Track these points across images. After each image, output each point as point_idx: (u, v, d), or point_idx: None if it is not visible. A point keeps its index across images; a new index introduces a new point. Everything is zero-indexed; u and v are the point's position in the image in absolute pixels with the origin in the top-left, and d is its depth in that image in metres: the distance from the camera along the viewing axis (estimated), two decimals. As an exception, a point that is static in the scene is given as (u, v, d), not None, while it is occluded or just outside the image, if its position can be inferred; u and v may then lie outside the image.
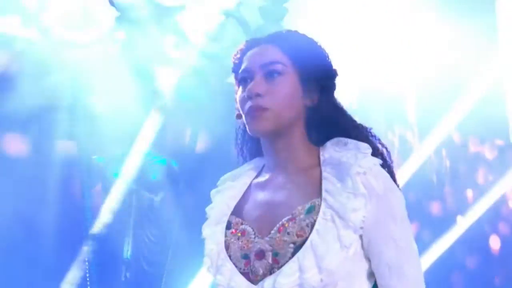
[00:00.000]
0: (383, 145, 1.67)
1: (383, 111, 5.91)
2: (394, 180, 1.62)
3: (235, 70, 1.71)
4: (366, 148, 1.59)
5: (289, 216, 1.56)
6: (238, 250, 1.60)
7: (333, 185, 1.55)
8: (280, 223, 1.56)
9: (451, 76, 5.72)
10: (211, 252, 1.64)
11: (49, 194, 3.94)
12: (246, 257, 1.58)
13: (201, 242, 1.68)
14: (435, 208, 5.92)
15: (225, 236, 1.64)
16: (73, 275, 3.56)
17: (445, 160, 6.09)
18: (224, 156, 1.81)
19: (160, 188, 3.83)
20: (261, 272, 1.55)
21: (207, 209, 1.74)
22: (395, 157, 5.87)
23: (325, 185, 1.56)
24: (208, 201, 1.74)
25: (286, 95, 1.61)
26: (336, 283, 1.51)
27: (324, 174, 1.58)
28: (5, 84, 3.97)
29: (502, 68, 6.20)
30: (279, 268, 1.53)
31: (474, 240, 5.65)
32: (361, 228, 1.52)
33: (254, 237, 1.59)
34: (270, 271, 1.54)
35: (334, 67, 1.69)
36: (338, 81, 1.69)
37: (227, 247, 1.62)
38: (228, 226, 1.66)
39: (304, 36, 1.70)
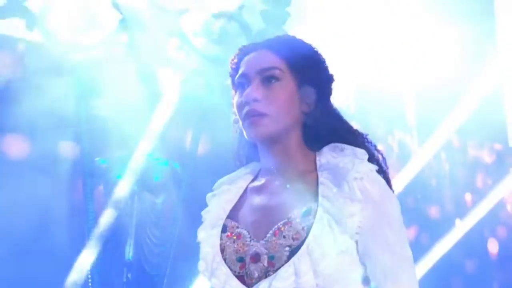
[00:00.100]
0: (379, 151, 1.68)
1: (383, 115, 5.93)
2: (390, 186, 1.62)
3: (232, 74, 1.71)
4: (362, 154, 1.60)
5: (285, 220, 1.56)
6: (234, 253, 1.60)
7: (329, 190, 1.56)
8: (276, 226, 1.57)
9: (450, 80, 5.75)
10: (206, 255, 1.65)
11: (52, 196, 3.95)
12: (241, 260, 1.59)
13: (201, 244, 1.68)
14: (434, 211, 5.93)
15: (221, 239, 1.64)
16: (75, 276, 3.56)
17: (444, 164, 6.10)
18: (226, 159, 1.82)
19: (162, 190, 3.84)
20: (256, 275, 1.56)
21: (203, 213, 1.74)
22: (394, 161, 5.90)
23: (321, 190, 1.57)
24: (209, 202, 1.75)
25: (283, 101, 1.61)
26: (331, 287, 1.51)
27: (320, 179, 1.59)
28: (9, 86, 3.98)
29: (501, 73, 6.22)
30: (274, 271, 1.54)
31: (473, 243, 5.66)
32: (357, 233, 1.52)
33: (250, 241, 1.60)
34: (266, 274, 1.55)
35: (331, 72, 1.70)
36: (335, 86, 1.69)
37: (222, 250, 1.62)
38: (224, 230, 1.66)
39: (301, 41, 1.71)
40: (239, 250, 1.60)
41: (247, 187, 1.72)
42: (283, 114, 1.61)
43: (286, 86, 1.62)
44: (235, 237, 1.62)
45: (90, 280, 3.51)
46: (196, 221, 1.76)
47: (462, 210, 5.88)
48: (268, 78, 1.62)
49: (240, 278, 1.57)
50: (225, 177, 1.78)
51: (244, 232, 1.62)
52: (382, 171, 1.63)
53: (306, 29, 4.60)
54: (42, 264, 3.64)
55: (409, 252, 1.59)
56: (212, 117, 4.09)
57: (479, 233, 5.76)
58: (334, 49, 5.76)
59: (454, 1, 6.14)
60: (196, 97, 4.12)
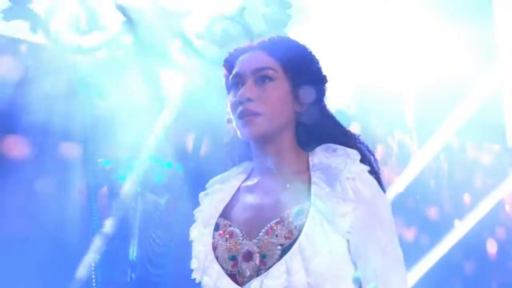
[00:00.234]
0: (371, 152, 1.70)
1: (383, 116, 5.94)
2: (381, 187, 1.64)
3: (226, 74, 1.73)
4: (355, 154, 1.62)
5: (278, 219, 1.58)
6: (226, 251, 1.61)
7: (322, 190, 1.57)
8: (269, 225, 1.58)
9: (449, 81, 5.77)
10: (198, 253, 1.66)
11: (56, 197, 3.97)
12: (233, 258, 1.60)
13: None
14: (433, 212, 5.94)
15: (213, 237, 1.66)
16: (80, 276, 3.58)
17: (443, 164, 6.12)
18: (228, 160, 1.84)
19: (165, 191, 3.86)
20: (248, 273, 1.57)
21: (195, 212, 1.75)
22: (393, 161, 5.93)
23: (314, 189, 1.59)
24: (211, 203, 1.77)
25: (277, 101, 1.63)
26: (322, 286, 1.53)
27: (313, 179, 1.61)
28: (13, 87, 4.00)
29: (500, 74, 6.24)
30: (266, 270, 1.55)
31: (472, 244, 5.67)
32: (349, 232, 1.54)
33: (242, 239, 1.61)
34: (257, 272, 1.56)
35: (325, 73, 1.72)
36: (328, 87, 1.71)
37: (214, 249, 1.64)
38: (217, 228, 1.67)
39: (295, 42, 1.72)
40: (232, 248, 1.61)
41: (240, 186, 1.73)
42: (276, 113, 1.63)
43: (280, 86, 1.64)
44: (227, 236, 1.63)
45: (94, 280, 3.53)
46: (198, 222, 1.78)
47: (461, 211, 5.90)
48: (262, 78, 1.64)
49: (232, 276, 1.59)
50: (218, 176, 1.79)
51: (237, 230, 1.63)
52: (374, 172, 1.65)
53: (306, 29, 4.62)
54: (47, 264, 3.66)
55: (399, 252, 1.61)
56: (214, 119, 4.11)
57: (478, 234, 5.77)
58: (334, 49, 5.79)
59: (454, 2, 6.16)
60: (199, 99, 4.14)
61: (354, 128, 5.57)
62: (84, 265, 3.59)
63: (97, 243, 3.58)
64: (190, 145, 4.18)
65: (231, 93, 1.67)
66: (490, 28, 6.85)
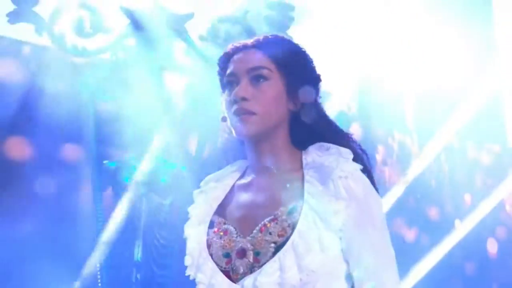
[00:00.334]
0: (363, 150, 1.73)
1: (383, 117, 5.95)
2: (374, 185, 1.67)
3: (221, 73, 1.74)
4: (347, 153, 1.65)
5: (271, 217, 1.60)
6: (220, 248, 1.63)
7: (315, 188, 1.60)
8: (262, 223, 1.60)
9: (449, 82, 5.78)
10: (193, 250, 1.68)
11: (61, 198, 3.99)
12: (227, 255, 1.62)
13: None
14: (433, 212, 5.95)
15: (208, 235, 1.68)
16: (85, 276, 3.60)
17: (444, 165, 6.13)
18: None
19: (169, 192, 3.87)
20: (241, 270, 1.58)
21: (190, 209, 1.78)
22: (394, 162, 5.94)
23: (307, 187, 1.61)
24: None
25: (271, 100, 1.65)
26: (315, 283, 1.55)
27: (306, 177, 1.63)
28: (19, 89, 4.02)
29: (500, 74, 6.24)
30: (259, 267, 1.57)
31: (473, 245, 5.67)
32: (341, 230, 1.56)
33: (236, 237, 1.63)
34: (251, 270, 1.58)
35: (318, 72, 1.75)
36: (321, 86, 1.74)
37: (209, 246, 1.66)
38: (211, 225, 1.69)
39: (289, 41, 1.76)
40: (226, 245, 1.63)
41: (234, 184, 1.75)
42: (271, 113, 1.65)
43: (274, 85, 1.66)
44: (222, 233, 1.65)
45: (99, 281, 3.55)
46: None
47: (461, 211, 5.90)
48: (256, 77, 1.65)
49: (226, 273, 1.60)
50: (213, 175, 1.82)
51: (231, 228, 1.65)
52: (367, 170, 1.67)
53: (307, 30, 4.64)
54: (52, 265, 3.67)
55: (391, 250, 1.64)
56: (217, 120, 4.13)
57: (479, 235, 5.77)
58: (334, 50, 5.81)
59: (454, 2, 6.17)
60: (202, 100, 4.16)
61: (354, 128, 5.59)
62: (89, 266, 3.60)
63: (102, 244, 3.60)
64: (194, 146, 4.20)
65: (226, 91, 1.69)
66: (490, 28, 6.86)
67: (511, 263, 6.04)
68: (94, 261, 3.58)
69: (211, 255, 1.64)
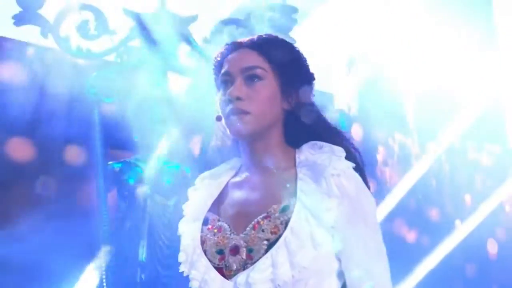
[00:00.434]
0: (356, 149, 1.75)
1: (384, 118, 5.97)
2: (366, 183, 1.70)
3: (216, 72, 1.78)
4: (340, 151, 1.67)
5: (265, 214, 1.62)
6: (214, 245, 1.66)
7: (308, 186, 1.62)
8: (255, 220, 1.63)
9: (450, 83, 5.80)
10: (187, 247, 1.72)
11: (66, 199, 4.01)
12: (221, 252, 1.64)
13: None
14: (434, 213, 5.96)
15: (202, 231, 1.70)
16: (90, 277, 3.61)
17: (444, 165, 6.14)
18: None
19: (173, 193, 3.89)
20: (234, 267, 1.61)
21: (184, 206, 1.82)
22: (395, 162, 5.96)
23: (300, 185, 1.63)
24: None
25: (266, 99, 1.68)
26: (307, 280, 1.57)
27: (299, 175, 1.65)
28: (24, 90, 4.04)
29: (501, 75, 6.26)
30: (252, 264, 1.59)
31: (473, 246, 5.68)
32: (333, 227, 1.58)
33: (230, 234, 1.65)
34: (244, 266, 1.60)
35: (312, 71, 1.78)
36: (314, 84, 1.78)
37: (203, 243, 1.68)
38: (205, 222, 1.72)
39: (283, 41, 1.78)
40: (219, 242, 1.65)
41: (228, 182, 1.78)
42: (265, 112, 1.67)
43: (269, 85, 1.69)
44: (215, 230, 1.68)
45: (105, 281, 3.57)
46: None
47: (462, 212, 5.91)
48: (251, 77, 1.68)
49: (219, 270, 1.63)
50: (207, 172, 1.85)
51: (225, 225, 1.68)
52: (359, 169, 1.70)
53: (308, 31, 4.66)
54: (57, 265, 3.69)
55: (383, 247, 1.66)
56: (221, 122, 4.15)
57: (480, 236, 5.78)
58: (335, 50, 5.83)
59: (454, 2, 6.19)
60: (206, 101, 4.17)
61: (355, 129, 5.61)
62: (95, 266, 3.62)
63: (107, 245, 3.62)
64: (197, 147, 4.22)
65: (221, 91, 1.72)
66: (491, 29, 6.88)
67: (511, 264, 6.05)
68: (99, 261, 3.60)
69: (204, 251, 1.66)
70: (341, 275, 1.64)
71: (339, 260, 1.62)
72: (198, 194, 1.80)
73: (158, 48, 3.99)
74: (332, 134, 1.75)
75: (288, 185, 1.65)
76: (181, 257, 1.74)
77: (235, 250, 1.62)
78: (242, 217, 1.67)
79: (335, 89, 5.90)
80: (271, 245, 1.58)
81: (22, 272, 3.79)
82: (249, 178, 1.73)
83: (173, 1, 4.12)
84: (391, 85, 6.24)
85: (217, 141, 1.84)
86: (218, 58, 1.78)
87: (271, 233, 1.60)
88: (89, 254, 3.69)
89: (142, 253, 3.63)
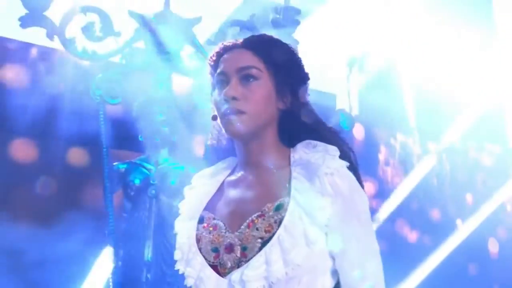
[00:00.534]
0: (350, 148, 1.79)
1: (386, 118, 5.99)
2: (360, 182, 1.73)
3: (212, 72, 1.82)
4: (334, 150, 1.71)
5: (259, 213, 1.66)
6: (209, 243, 1.70)
7: (302, 184, 1.66)
8: (250, 219, 1.67)
9: (451, 83, 5.82)
10: (183, 245, 1.76)
11: (73, 199, 4.03)
12: (216, 250, 1.69)
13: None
14: (435, 213, 5.98)
15: (197, 230, 1.75)
16: (96, 277, 3.63)
17: (445, 165, 6.16)
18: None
19: (178, 194, 3.90)
20: (229, 265, 1.65)
21: (180, 205, 1.87)
22: (396, 162, 5.98)
23: (294, 184, 1.67)
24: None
25: (261, 99, 1.72)
26: (300, 278, 1.60)
27: (293, 174, 1.69)
28: (31, 92, 4.06)
29: (501, 75, 6.28)
30: (246, 261, 1.63)
31: (475, 245, 5.69)
32: (326, 226, 1.62)
33: (225, 232, 1.69)
34: (238, 264, 1.64)
35: (306, 71, 1.83)
36: (309, 84, 1.83)
37: (198, 241, 1.73)
38: (201, 221, 1.76)
39: (278, 41, 1.82)
40: (214, 240, 1.69)
41: (224, 180, 1.82)
42: (260, 112, 1.71)
43: (264, 85, 1.73)
44: (211, 228, 1.72)
45: (110, 281, 3.59)
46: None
47: (463, 212, 5.93)
48: (246, 77, 1.72)
49: (214, 267, 1.67)
50: (203, 171, 1.90)
51: (220, 223, 1.72)
52: (353, 168, 1.73)
53: (309, 31, 4.68)
54: (63, 265, 3.72)
55: (376, 246, 1.69)
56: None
57: (481, 235, 5.79)
58: (337, 50, 5.85)
59: (454, 4, 6.20)
60: (210, 103, 4.19)
61: (357, 129, 5.63)
62: (100, 266, 3.64)
63: (113, 245, 3.64)
64: (202, 148, 4.24)
65: (216, 90, 1.77)
66: (491, 28, 6.90)
67: (512, 264, 6.06)
68: (106, 261, 3.62)
69: (200, 249, 1.71)
70: (335, 273, 1.67)
71: (333, 258, 1.65)
72: (194, 192, 1.84)
73: (162, 49, 4.00)
74: (326, 134, 1.78)
75: (282, 184, 1.68)
76: (177, 255, 1.77)
77: (230, 248, 1.66)
78: (237, 215, 1.70)
79: (337, 89, 5.92)
80: (265, 243, 1.62)
81: (28, 271, 3.81)
82: (244, 177, 1.77)
83: (178, 3, 4.14)
84: (392, 85, 6.26)
85: (213, 140, 1.88)
86: (214, 58, 1.81)
87: (265, 231, 1.63)
88: (95, 255, 3.69)
89: (148, 253, 3.65)
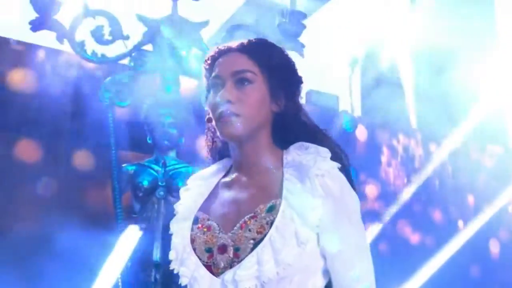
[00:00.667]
0: (342, 150, 1.79)
1: (388, 119, 6.02)
2: (351, 184, 1.73)
3: (207, 75, 1.81)
4: (325, 152, 1.71)
5: (251, 214, 1.66)
6: (203, 244, 1.70)
7: (293, 186, 1.66)
8: (243, 220, 1.67)
9: (452, 83, 5.85)
10: (177, 245, 1.77)
11: (82, 200, 4.07)
12: (209, 250, 1.68)
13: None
14: (437, 215, 6.00)
15: (192, 230, 1.75)
16: (106, 277, 3.66)
17: (447, 166, 6.19)
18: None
19: (186, 195, 3.93)
20: (222, 265, 1.65)
21: (175, 206, 1.86)
22: (398, 164, 6.00)
23: (286, 185, 1.67)
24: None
25: (255, 102, 1.71)
26: (292, 277, 1.61)
27: (286, 175, 1.69)
28: (37, 95, 4.10)
29: (503, 75, 6.30)
30: (239, 262, 1.62)
31: (477, 246, 5.70)
32: (318, 226, 1.62)
33: (219, 233, 1.69)
34: (231, 264, 1.64)
35: (300, 74, 1.83)
36: (302, 87, 1.82)
37: (192, 241, 1.73)
38: (195, 221, 1.76)
39: (272, 45, 1.81)
40: (208, 241, 1.69)
41: (218, 182, 1.82)
42: (255, 115, 1.71)
43: (258, 88, 1.73)
44: (205, 229, 1.72)
45: (120, 281, 3.63)
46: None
47: (465, 213, 5.95)
48: (241, 81, 1.71)
49: (208, 267, 1.67)
50: (198, 173, 1.89)
51: (214, 224, 1.72)
52: (344, 169, 1.73)
53: (312, 33, 4.71)
54: (73, 265, 3.75)
55: (366, 246, 1.71)
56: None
57: (483, 237, 5.80)
58: (338, 51, 5.88)
59: (454, 4, 6.23)
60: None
61: (359, 130, 5.67)
62: (110, 267, 3.67)
63: (123, 246, 3.67)
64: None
65: (211, 93, 1.76)
66: (492, 28, 6.93)
67: (513, 265, 6.08)
68: (115, 262, 3.65)
69: (194, 249, 1.71)
70: (326, 273, 1.68)
71: (324, 258, 1.67)
72: (189, 194, 1.85)
73: (170, 52, 4.04)
74: (318, 136, 1.79)
75: (275, 185, 1.69)
76: (172, 255, 1.79)
77: (223, 249, 1.66)
78: (231, 216, 1.71)
79: (339, 90, 5.96)
80: (257, 244, 1.62)
81: (37, 271, 3.84)
82: (238, 178, 1.77)
83: (185, 7, 4.18)
84: (394, 85, 6.30)
85: (208, 142, 1.88)
86: (209, 61, 1.82)
87: (257, 232, 1.64)
88: (104, 255, 3.73)
89: (156, 254, 3.69)
